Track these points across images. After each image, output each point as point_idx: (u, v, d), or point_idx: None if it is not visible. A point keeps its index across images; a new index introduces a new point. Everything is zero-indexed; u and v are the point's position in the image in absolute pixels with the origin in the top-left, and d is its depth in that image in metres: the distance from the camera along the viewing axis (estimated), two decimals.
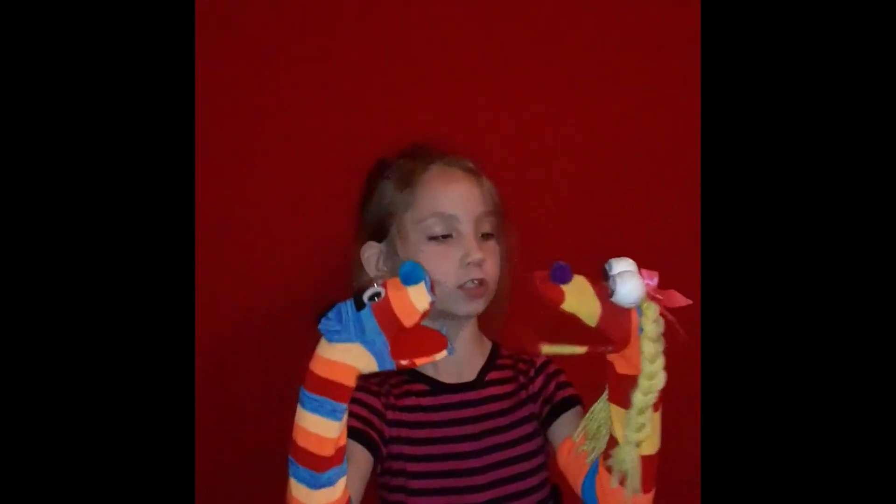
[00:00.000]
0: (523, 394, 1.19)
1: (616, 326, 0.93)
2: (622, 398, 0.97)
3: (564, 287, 0.92)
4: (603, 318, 0.93)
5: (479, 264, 1.14)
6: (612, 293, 0.92)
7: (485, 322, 1.18)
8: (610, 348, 0.94)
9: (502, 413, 1.17)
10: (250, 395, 1.47)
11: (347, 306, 0.93)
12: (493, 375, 1.20)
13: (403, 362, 0.93)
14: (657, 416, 0.98)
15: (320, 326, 0.93)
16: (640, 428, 0.95)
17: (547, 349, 0.93)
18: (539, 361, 1.21)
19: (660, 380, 0.94)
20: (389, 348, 0.92)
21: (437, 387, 1.18)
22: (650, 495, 1.01)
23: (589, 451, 1.02)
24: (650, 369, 0.93)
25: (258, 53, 1.47)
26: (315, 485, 0.95)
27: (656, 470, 1.00)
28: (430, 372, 1.19)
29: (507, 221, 1.21)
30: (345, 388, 0.93)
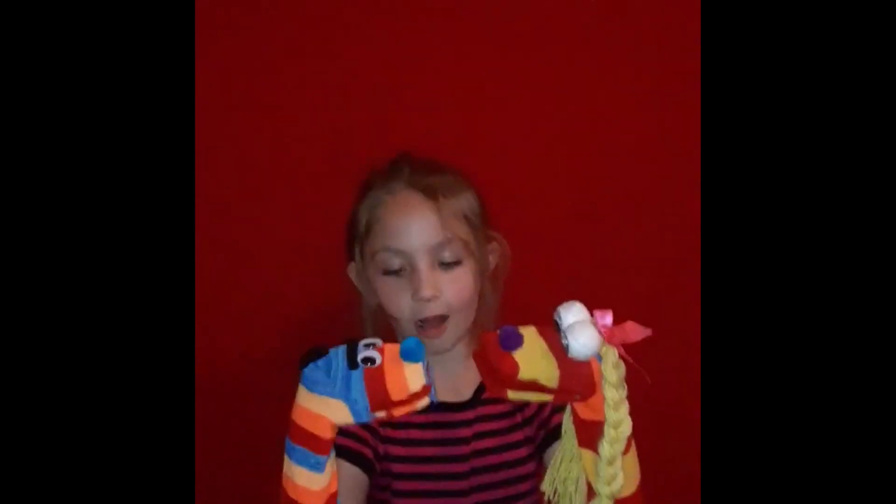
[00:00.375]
0: (518, 417, 1.17)
1: (578, 381, 0.89)
2: (590, 443, 0.93)
3: (516, 354, 0.87)
4: (563, 378, 0.88)
5: (429, 300, 1.09)
6: (566, 348, 0.87)
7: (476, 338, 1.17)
8: (577, 396, 0.90)
9: (495, 434, 1.15)
10: (250, 396, 1.47)
11: (339, 361, 0.90)
12: (488, 395, 1.15)
13: (380, 415, 0.91)
14: (631, 456, 0.94)
15: (305, 371, 0.91)
16: (612, 479, 0.90)
17: (513, 396, 0.89)
18: None
19: (626, 427, 0.90)
20: (369, 406, 0.90)
21: (430, 404, 1.15)
22: None
23: None
24: (615, 417, 0.89)
25: (259, 57, 1.47)
26: None
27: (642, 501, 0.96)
28: None
29: (488, 232, 1.17)
30: (323, 441, 0.91)
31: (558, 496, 0.96)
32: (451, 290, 1.11)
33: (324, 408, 0.90)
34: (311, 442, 0.91)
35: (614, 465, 0.90)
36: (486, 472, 1.14)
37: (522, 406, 1.17)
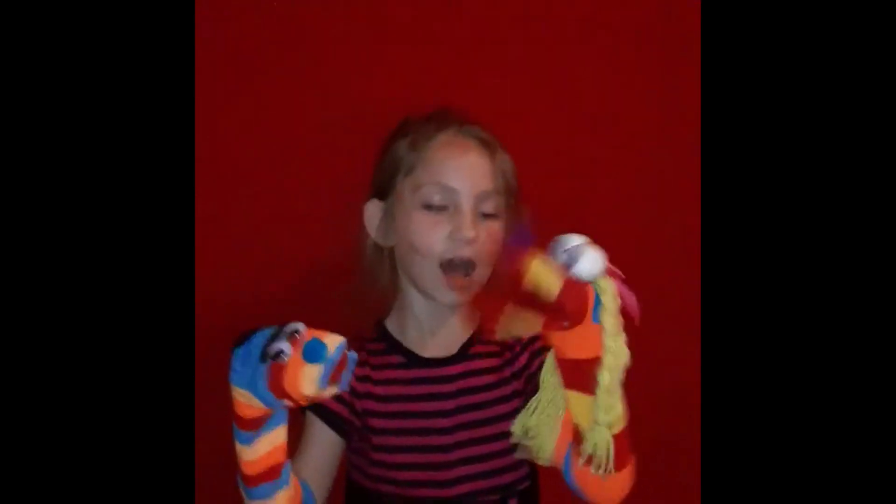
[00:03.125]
0: (507, 371, 1.16)
1: (575, 299, 0.85)
2: (578, 384, 0.91)
3: (526, 258, 0.85)
4: (562, 293, 0.85)
5: (469, 242, 1.10)
6: (570, 265, 0.86)
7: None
8: (566, 323, 0.87)
9: (482, 389, 1.14)
10: None
11: (253, 351, 0.87)
12: (477, 349, 1.16)
13: (288, 403, 0.88)
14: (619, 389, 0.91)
15: (232, 356, 0.90)
16: (610, 409, 0.89)
17: (502, 332, 0.86)
18: (526, 338, 1.15)
19: (624, 356, 0.88)
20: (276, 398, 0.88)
21: (414, 360, 1.15)
22: (626, 471, 0.96)
23: (535, 450, 0.95)
24: (614, 346, 0.88)
25: (258, 50, 1.46)
26: (250, 496, 0.95)
27: (628, 443, 0.94)
28: (409, 344, 1.17)
29: (520, 202, 1.18)
30: (244, 420, 0.91)
31: (532, 438, 0.95)
32: (486, 239, 1.12)
33: (238, 394, 0.89)
34: (236, 418, 0.91)
35: (613, 394, 0.89)
36: (471, 427, 1.13)
37: (511, 360, 1.16)
